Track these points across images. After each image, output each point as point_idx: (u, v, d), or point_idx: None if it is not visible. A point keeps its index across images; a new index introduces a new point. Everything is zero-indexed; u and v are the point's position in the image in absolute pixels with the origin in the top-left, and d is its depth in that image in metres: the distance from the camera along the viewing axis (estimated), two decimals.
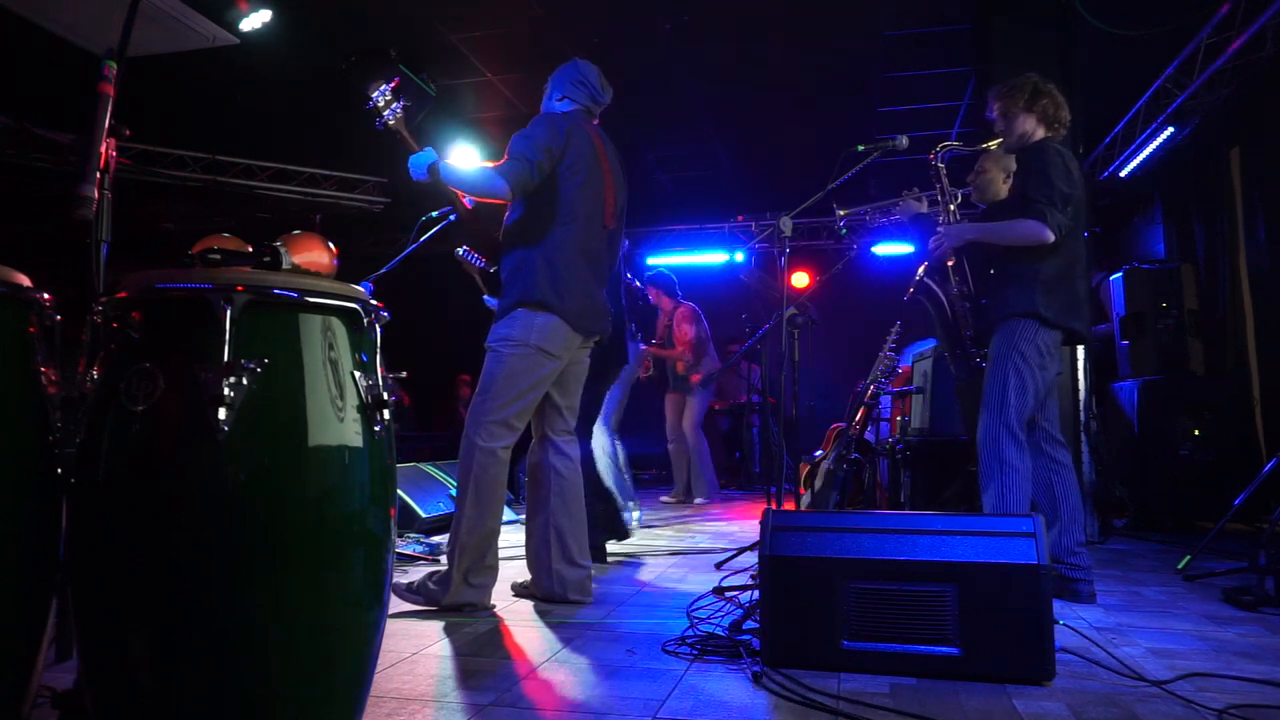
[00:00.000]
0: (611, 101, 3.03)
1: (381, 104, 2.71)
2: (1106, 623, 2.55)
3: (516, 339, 2.68)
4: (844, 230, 8.04)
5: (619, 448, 4.94)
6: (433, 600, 2.66)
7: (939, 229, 3.11)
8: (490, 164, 2.69)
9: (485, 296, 3.55)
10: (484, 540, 2.67)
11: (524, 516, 2.97)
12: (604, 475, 4.91)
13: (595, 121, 3.01)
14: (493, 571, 2.72)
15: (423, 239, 3.40)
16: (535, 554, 2.85)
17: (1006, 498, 2.74)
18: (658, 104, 6.36)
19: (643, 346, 6.31)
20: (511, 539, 4.04)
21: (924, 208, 3.25)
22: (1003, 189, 3.32)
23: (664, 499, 6.55)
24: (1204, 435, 4.82)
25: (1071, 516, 2.85)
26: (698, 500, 6.41)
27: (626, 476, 5.00)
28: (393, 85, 2.72)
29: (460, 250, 3.39)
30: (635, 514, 4.93)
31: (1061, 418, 4.20)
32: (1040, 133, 2.97)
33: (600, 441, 4.89)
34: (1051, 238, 2.77)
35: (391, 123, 2.72)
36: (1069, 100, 3.03)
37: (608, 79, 2.99)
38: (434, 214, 3.14)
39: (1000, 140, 3.08)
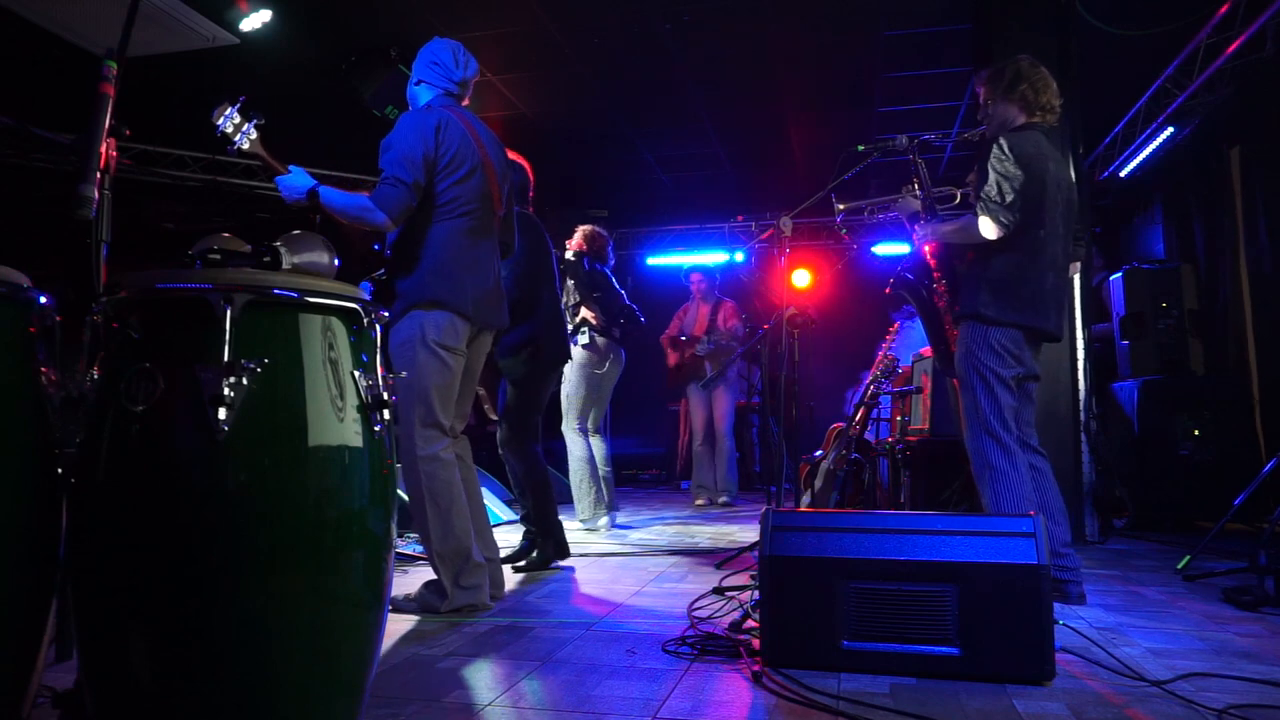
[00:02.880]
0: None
1: (230, 129, 2.43)
2: (1106, 623, 2.55)
3: (414, 340, 2.63)
4: (844, 230, 8.04)
5: (593, 447, 4.86)
6: (430, 609, 2.65)
7: (916, 229, 3.09)
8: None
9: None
10: (460, 545, 2.66)
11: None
12: (579, 480, 4.83)
13: (465, 103, 2.88)
14: (482, 569, 2.72)
15: None
16: None
17: (999, 501, 2.74)
18: (658, 104, 6.34)
19: (664, 338, 6.45)
20: (503, 539, 4.04)
21: (920, 205, 3.24)
22: None
23: (699, 503, 6.42)
24: (1204, 435, 4.82)
25: (1053, 518, 2.82)
26: (722, 499, 6.43)
27: (607, 477, 4.94)
28: (239, 106, 2.44)
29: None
30: (602, 520, 4.84)
31: (1061, 418, 4.22)
32: (1022, 119, 2.87)
33: (577, 443, 4.84)
34: (992, 233, 2.69)
35: (246, 146, 2.46)
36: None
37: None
38: None
39: (982, 130, 3.01)
